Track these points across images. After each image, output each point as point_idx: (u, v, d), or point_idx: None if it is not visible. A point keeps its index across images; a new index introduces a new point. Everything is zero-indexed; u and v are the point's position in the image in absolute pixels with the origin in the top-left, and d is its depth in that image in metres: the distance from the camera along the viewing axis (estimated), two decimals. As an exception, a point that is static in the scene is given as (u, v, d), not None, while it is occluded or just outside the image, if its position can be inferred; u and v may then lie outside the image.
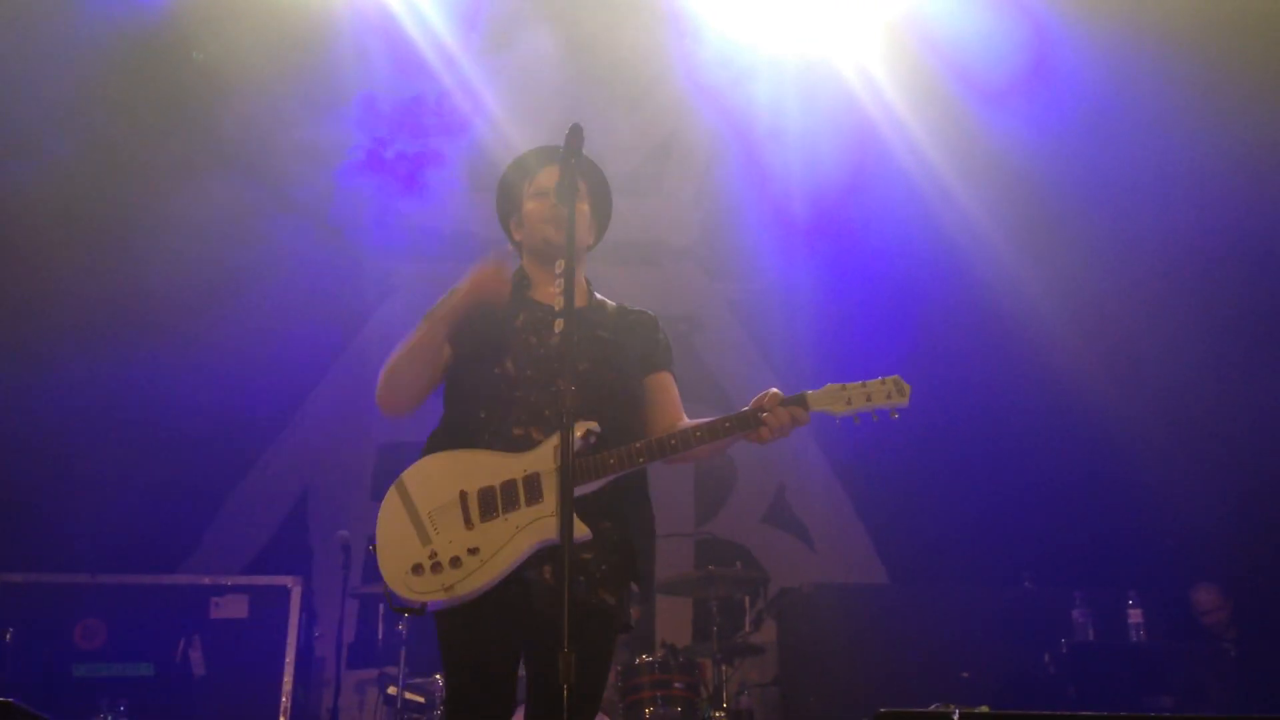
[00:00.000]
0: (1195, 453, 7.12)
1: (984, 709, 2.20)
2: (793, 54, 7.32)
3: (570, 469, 2.65)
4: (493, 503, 2.88)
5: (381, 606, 6.24)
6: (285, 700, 5.84)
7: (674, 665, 6.04)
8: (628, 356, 3.21)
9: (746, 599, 6.90)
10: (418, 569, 2.82)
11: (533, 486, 2.90)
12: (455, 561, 2.83)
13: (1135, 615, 6.53)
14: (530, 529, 2.85)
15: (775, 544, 8.41)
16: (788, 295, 8.33)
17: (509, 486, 2.89)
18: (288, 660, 5.97)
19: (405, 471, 2.99)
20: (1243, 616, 6.82)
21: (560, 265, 2.88)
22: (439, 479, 2.95)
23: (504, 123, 7.49)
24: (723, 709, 6.10)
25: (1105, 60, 6.63)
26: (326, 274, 7.80)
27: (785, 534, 8.48)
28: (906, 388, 3.06)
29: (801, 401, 3.06)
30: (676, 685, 6.01)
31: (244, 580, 6.32)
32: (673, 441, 2.99)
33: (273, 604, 6.08)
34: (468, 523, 2.87)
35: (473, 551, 2.84)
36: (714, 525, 8.43)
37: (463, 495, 2.90)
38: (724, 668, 6.32)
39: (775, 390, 3.08)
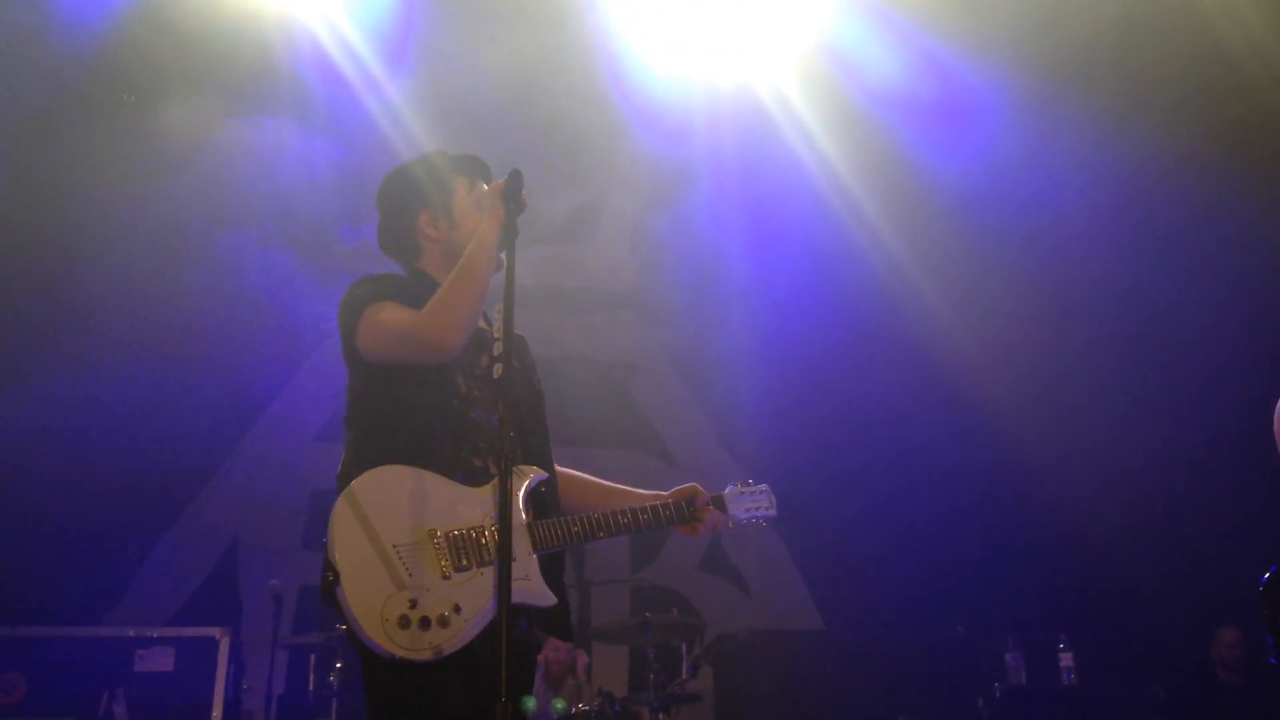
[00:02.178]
0: (1126, 498, 7.24)
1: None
2: (729, 95, 7.35)
3: (509, 517, 2.59)
4: (466, 553, 2.75)
5: (313, 657, 6.12)
6: (212, 755, 5.69)
7: (610, 714, 6.00)
8: (532, 384, 3.19)
9: (684, 646, 6.88)
10: (404, 622, 2.66)
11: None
12: (443, 621, 2.69)
13: (1066, 659, 6.62)
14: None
15: (711, 590, 8.41)
16: (722, 340, 8.40)
17: (478, 535, 2.77)
18: (215, 714, 5.81)
19: (356, 481, 2.79)
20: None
21: (499, 309, 2.85)
22: (399, 504, 2.77)
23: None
24: (659, 757, 6.05)
25: (1023, 92, 6.73)
26: (258, 318, 7.70)
27: (721, 580, 8.49)
28: (774, 500, 3.46)
29: (721, 504, 3.31)
30: (613, 733, 5.98)
31: (170, 632, 6.15)
32: (624, 521, 3.05)
33: (200, 655, 5.92)
34: (444, 574, 2.72)
35: (457, 610, 2.71)
36: (650, 571, 8.40)
37: (432, 536, 2.75)
38: (661, 715, 6.27)
39: (698, 488, 3.26)
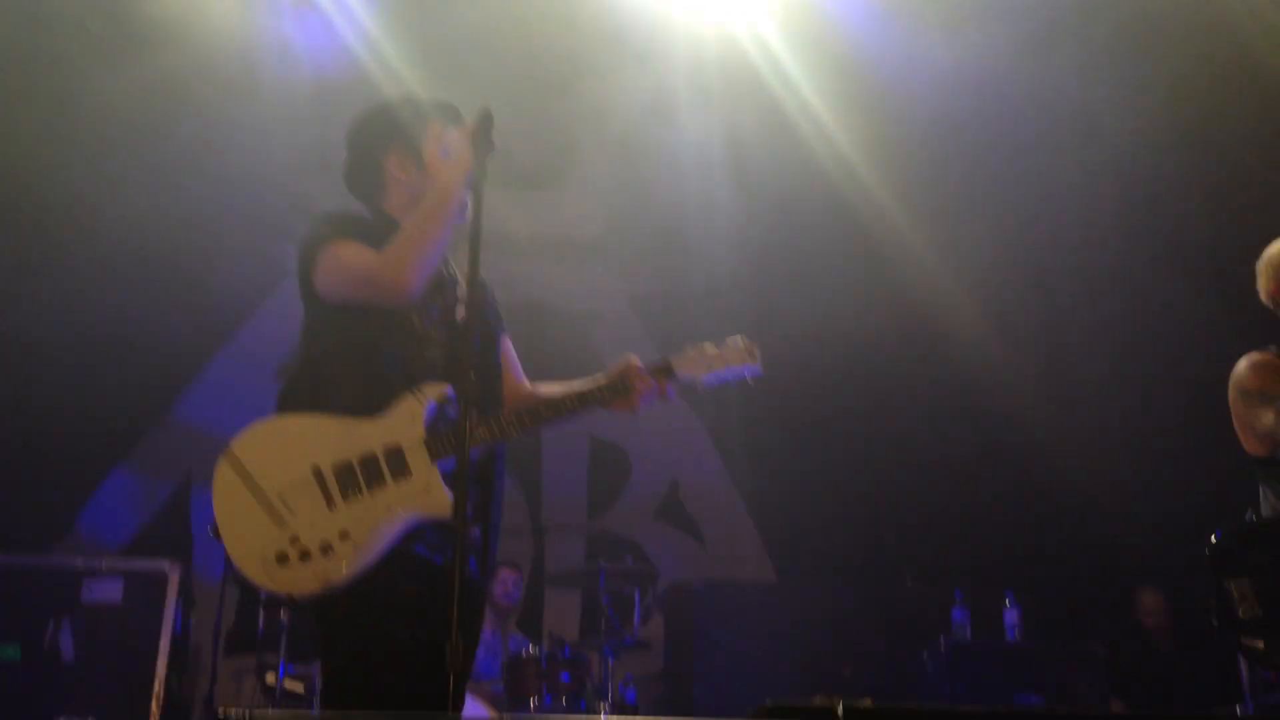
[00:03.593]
0: (1081, 457, 7.28)
1: (867, 701, 2.23)
2: (710, 33, 7.18)
3: (466, 449, 2.57)
4: (353, 480, 2.72)
5: (263, 593, 6.11)
6: (159, 687, 5.67)
7: (560, 658, 6.05)
8: (488, 324, 3.16)
9: (636, 593, 6.93)
10: (282, 559, 2.64)
11: (396, 460, 2.75)
12: (325, 549, 2.66)
13: (1012, 615, 6.74)
14: (401, 505, 2.71)
15: (666, 540, 8.46)
16: (688, 292, 8.39)
17: (369, 462, 2.73)
18: (162, 646, 5.79)
19: (235, 441, 2.76)
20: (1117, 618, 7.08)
21: (463, 252, 2.81)
22: (282, 452, 2.75)
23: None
24: (607, 701, 6.11)
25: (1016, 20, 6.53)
26: (221, 253, 7.60)
27: (676, 530, 8.54)
28: (755, 349, 3.09)
29: (666, 368, 3.05)
30: (562, 677, 6.04)
31: (119, 564, 6.11)
32: (545, 411, 2.93)
33: (149, 589, 5.89)
34: (329, 503, 2.70)
35: (343, 536, 2.68)
36: (606, 520, 8.44)
37: (317, 472, 2.72)
38: (610, 661, 6.33)
39: (634, 358, 3.04)
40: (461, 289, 2.83)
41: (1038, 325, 7.30)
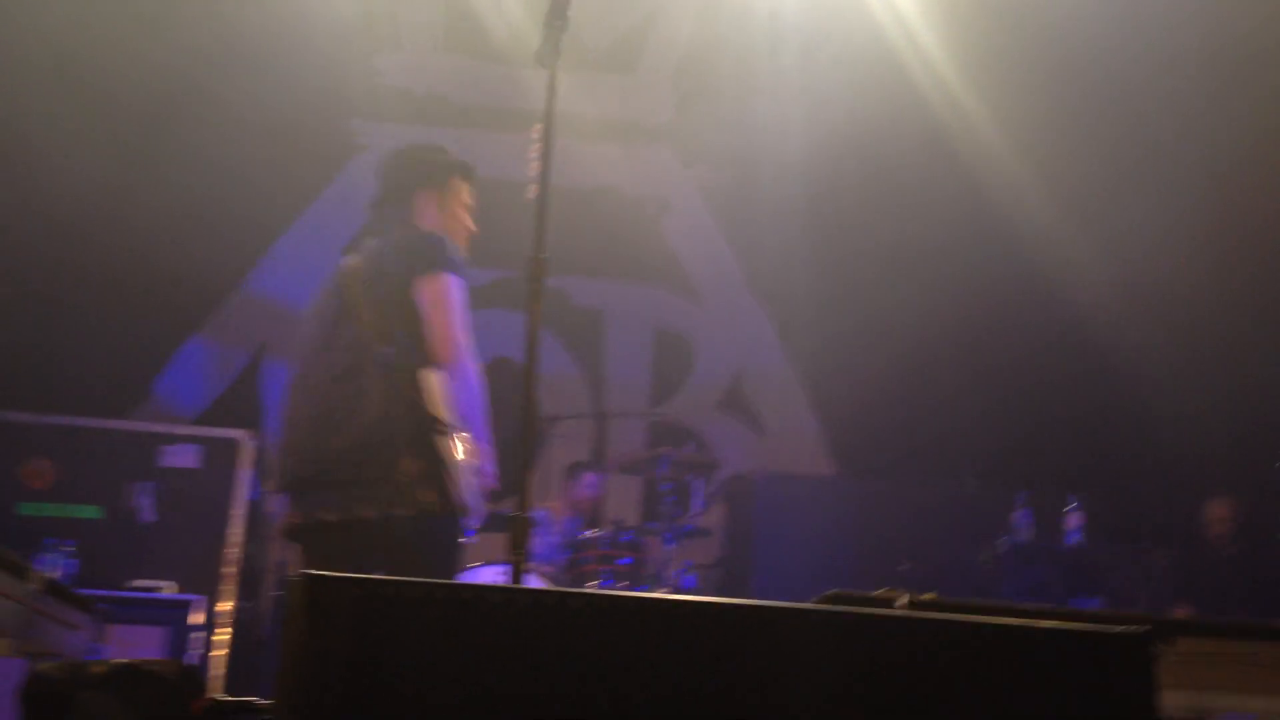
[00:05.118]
0: (1162, 357, 7.11)
1: (929, 595, 2.24)
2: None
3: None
4: None
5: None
6: (233, 551, 5.86)
7: (621, 542, 6.15)
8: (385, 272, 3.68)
9: (697, 482, 7.00)
10: None
11: None
12: None
13: (1074, 519, 6.70)
14: None
15: (729, 430, 8.49)
16: (758, 182, 8.26)
17: None
18: (235, 512, 5.98)
19: None
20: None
21: (538, 129, 2.83)
22: None
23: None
24: (666, 586, 6.22)
25: None
26: (290, 127, 7.61)
27: (738, 421, 8.56)
28: None
29: None
30: (621, 561, 6.14)
31: (195, 431, 6.28)
32: None
33: (224, 456, 6.05)
34: None
35: None
36: (669, 408, 8.48)
37: None
38: (670, 547, 6.42)
39: None
40: None
41: (1116, 216, 7.03)
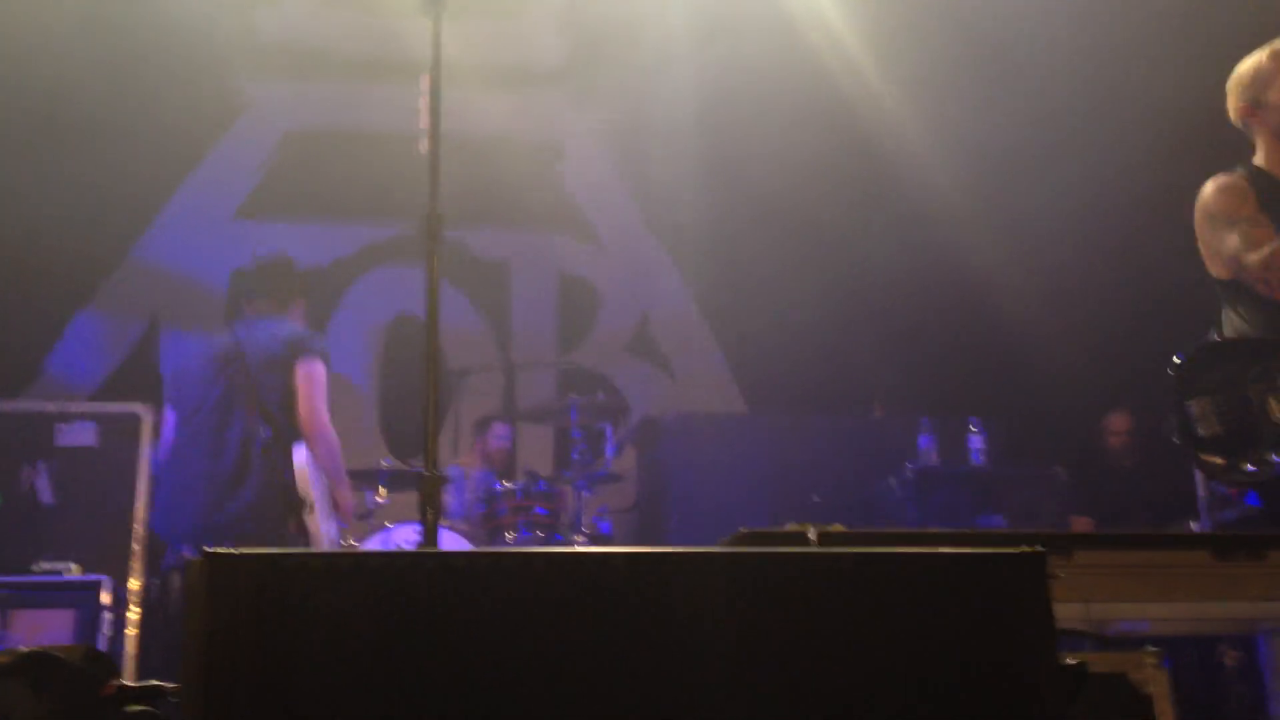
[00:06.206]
0: (1051, 281, 7.29)
1: (837, 527, 2.29)
2: None
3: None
4: None
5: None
6: (139, 529, 5.74)
7: (535, 492, 6.17)
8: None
9: (607, 428, 7.02)
10: None
11: None
12: None
13: (977, 441, 6.88)
14: None
15: (637, 374, 8.52)
16: (655, 124, 8.22)
17: None
18: (140, 488, 5.84)
19: None
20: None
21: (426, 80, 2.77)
22: None
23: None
24: (583, 533, 6.26)
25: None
26: (171, 89, 7.36)
27: (647, 364, 8.60)
28: None
29: None
30: (537, 511, 6.16)
31: (92, 408, 6.10)
32: None
33: (122, 431, 5.90)
34: None
35: None
36: (577, 355, 8.48)
37: None
38: (584, 494, 6.45)
39: None
40: None
41: (998, 152, 7.18)
